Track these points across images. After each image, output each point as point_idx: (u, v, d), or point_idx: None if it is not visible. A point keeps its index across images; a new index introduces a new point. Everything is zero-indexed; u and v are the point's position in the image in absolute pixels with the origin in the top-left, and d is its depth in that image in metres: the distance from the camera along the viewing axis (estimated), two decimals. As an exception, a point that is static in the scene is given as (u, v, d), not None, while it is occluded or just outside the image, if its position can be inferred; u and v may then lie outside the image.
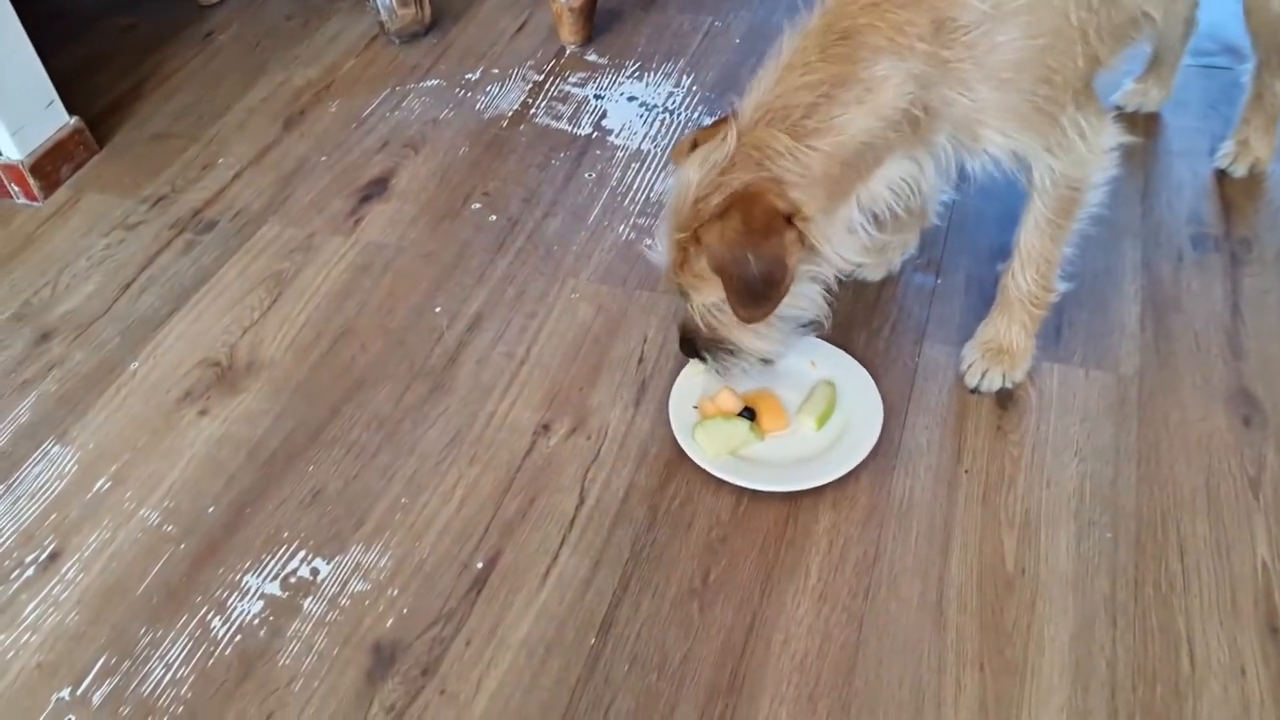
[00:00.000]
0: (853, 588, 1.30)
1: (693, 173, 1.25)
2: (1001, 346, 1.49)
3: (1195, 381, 1.49)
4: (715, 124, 1.30)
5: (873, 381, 1.50)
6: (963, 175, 1.32)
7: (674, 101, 2.14)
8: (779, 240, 1.20)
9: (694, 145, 1.29)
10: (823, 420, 1.45)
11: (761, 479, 1.39)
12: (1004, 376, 1.49)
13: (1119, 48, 1.31)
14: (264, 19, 2.55)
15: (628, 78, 2.22)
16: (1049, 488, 1.38)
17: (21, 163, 2.00)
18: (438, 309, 1.73)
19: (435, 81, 2.27)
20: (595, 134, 2.07)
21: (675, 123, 2.08)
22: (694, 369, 1.53)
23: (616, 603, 1.31)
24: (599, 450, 1.49)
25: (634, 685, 1.23)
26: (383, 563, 1.37)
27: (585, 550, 1.37)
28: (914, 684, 1.20)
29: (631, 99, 2.16)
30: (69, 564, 1.41)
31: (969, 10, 1.15)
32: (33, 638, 1.33)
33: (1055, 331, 1.57)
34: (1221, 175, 1.82)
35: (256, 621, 1.33)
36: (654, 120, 2.10)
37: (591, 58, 2.29)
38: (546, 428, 1.53)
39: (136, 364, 1.69)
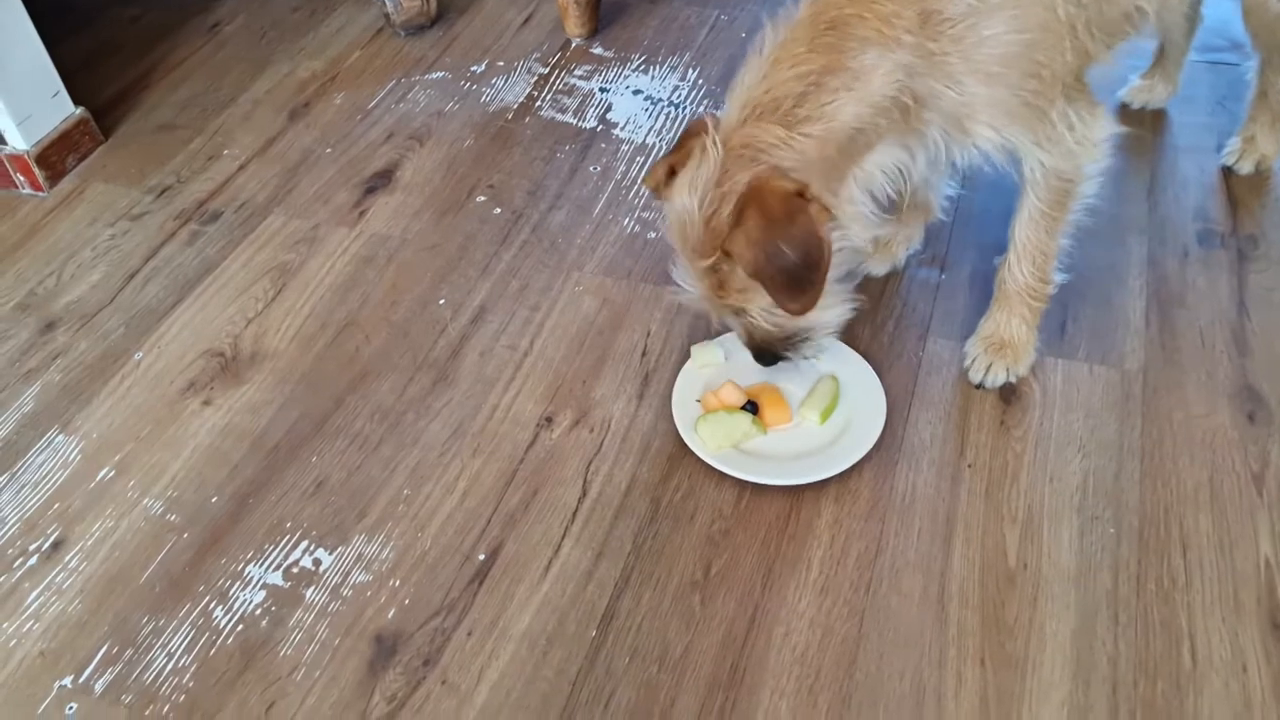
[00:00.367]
0: (854, 582, 1.30)
1: (687, 198, 1.22)
2: (1003, 340, 1.49)
3: (1200, 378, 1.49)
4: (682, 142, 1.27)
5: (876, 376, 1.49)
6: (955, 169, 1.31)
7: (679, 95, 2.14)
8: (806, 217, 1.18)
9: (670, 171, 1.27)
10: (826, 414, 1.45)
11: (764, 472, 1.39)
12: (1008, 371, 1.49)
13: (1112, 42, 1.31)
14: (270, 10, 2.55)
15: (633, 71, 2.22)
16: (1052, 483, 1.38)
17: (27, 153, 2.00)
18: (442, 301, 1.73)
19: (440, 74, 2.27)
20: (600, 127, 2.07)
21: (680, 116, 2.08)
22: (697, 362, 1.53)
23: (618, 595, 1.31)
24: (602, 443, 1.49)
25: (635, 677, 1.23)
26: (385, 554, 1.38)
27: (587, 542, 1.37)
28: (915, 678, 1.20)
29: (637, 92, 2.16)
30: (72, 553, 1.42)
31: (955, 3, 1.15)
32: (35, 626, 1.34)
33: (1059, 327, 1.56)
34: (1228, 172, 1.81)
35: (259, 611, 1.33)
36: (659, 114, 2.09)
37: (597, 51, 2.29)
38: (549, 420, 1.53)
39: (141, 354, 1.69)
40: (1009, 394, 1.49)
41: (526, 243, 1.83)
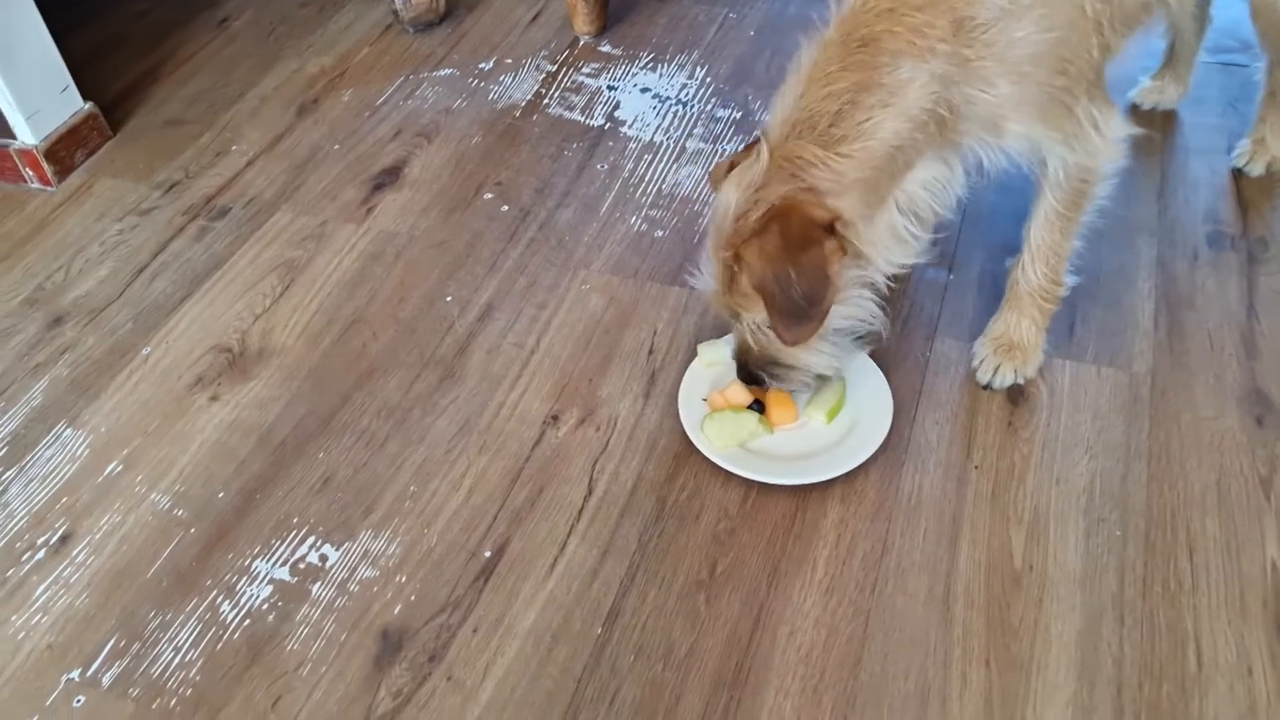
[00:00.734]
0: (860, 582, 1.30)
1: (731, 193, 1.25)
2: (1013, 342, 1.49)
3: (1208, 380, 1.49)
4: (750, 145, 1.30)
5: (883, 376, 1.49)
6: (981, 172, 1.31)
7: (687, 93, 2.13)
8: (819, 251, 1.20)
9: (731, 167, 1.30)
10: (832, 414, 1.45)
11: (770, 472, 1.39)
12: (1016, 372, 1.48)
13: (1130, 33, 1.31)
14: (278, 6, 2.55)
15: (641, 69, 2.22)
16: (1059, 485, 1.38)
17: (36, 147, 2.00)
18: (449, 298, 1.74)
19: (448, 71, 2.27)
20: (608, 125, 2.07)
21: (688, 114, 2.08)
22: (703, 361, 1.53)
23: (623, 593, 1.31)
24: (608, 441, 1.49)
25: (640, 675, 1.23)
26: (391, 550, 1.38)
27: (593, 540, 1.37)
28: (920, 678, 1.20)
29: (645, 90, 2.16)
30: (80, 547, 1.42)
31: (986, 8, 1.16)
32: (43, 619, 1.34)
33: (1068, 328, 1.56)
34: (1238, 174, 1.80)
35: (265, 606, 1.33)
36: (667, 112, 2.09)
37: (605, 48, 2.29)
38: (555, 418, 1.53)
39: (148, 349, 1.70)
40: (1016, 395, 1.49)
41: (534, 240, 1.83)
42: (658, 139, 2.03)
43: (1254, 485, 1.36)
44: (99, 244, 1.91)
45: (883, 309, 1.34)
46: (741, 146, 1.35)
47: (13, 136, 2.01)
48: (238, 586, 1.36)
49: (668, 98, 2.13)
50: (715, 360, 1.53)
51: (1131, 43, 1.34)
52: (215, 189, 2.01)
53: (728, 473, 1.41)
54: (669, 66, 2.22)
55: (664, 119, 2.08)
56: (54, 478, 1.51)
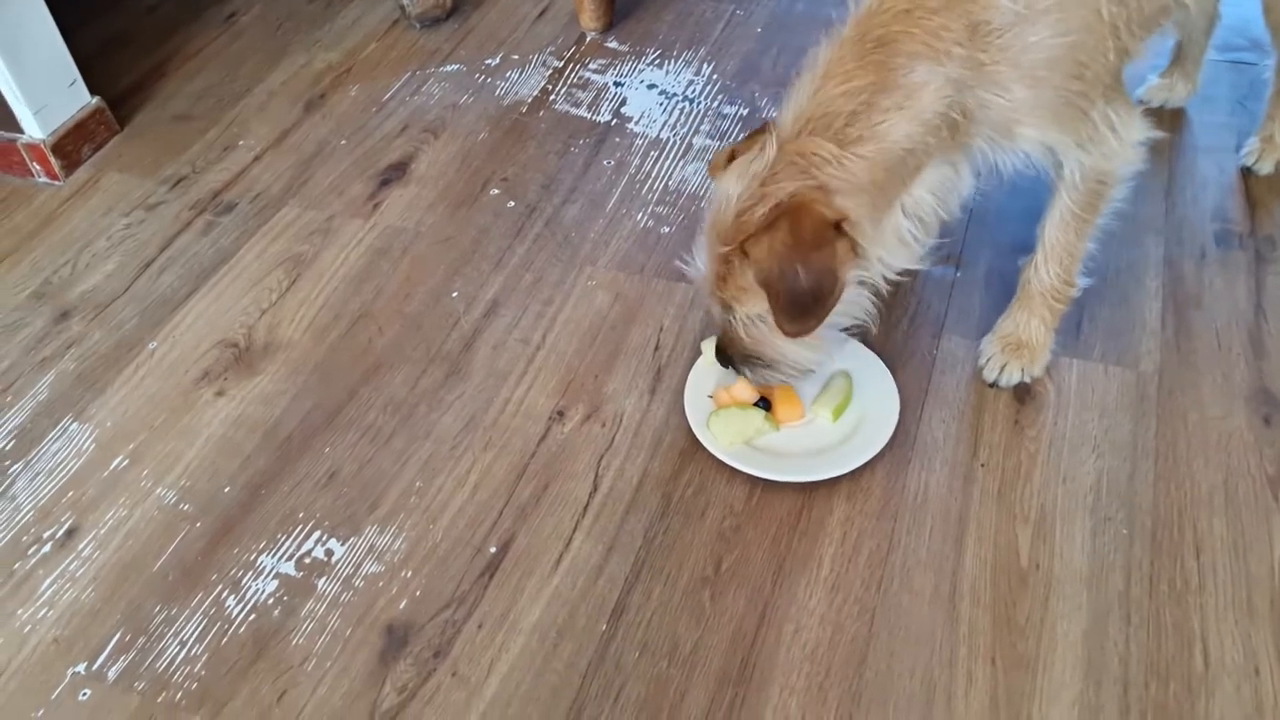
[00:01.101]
0: (865, 579, 1.30)
1: (733, 184, 1.24)
2: (1021, 340, 1.48)
3: (1215, 380, 1.48)
4: (752, 135, 1.29)
5: (890, 374, 1.49)
6: (994, 173, 1.31)
7: (694, 90, 2.13)
8: (830, 251, 1.19)
9: (731, 157, 1.29)
10: (839, 412, 1.45)
11: (776, 469, 1.39)
12: (1023, 371, 1.48)
13: (1147, 36, 1.31)
14: (285, 2, 2.55)
15: (648, 65, 2.22)
16: (1065, 483, 1.38)
17: (43, 142, 2.01)
18: (455, 294, 1.74)
19: (455, 66, 2.27)
20: (615, 121, 2.07)
21: (695, 111, 2.08)
22: (709, 358, 1.53)
23: (628, 589, 1.31)
24: (613, 438, 1.49)
25: (645, 672, 1.23)
26: (397, 545, 1.38)
27: (598, 537, 1.37)
28: (925, 676, 1.20)
29: (651, 86, 2.15)
30: (86, 541, 1.42)
31: (1002, 12, 1.15)
32: (49, 613, 1.35)
33: (1075, 327, 1.56)
34: (1247, 172, 1.80)
35: (271, 601, 1.33)
36: (674, 108, 2.09)
37: (612, 44, 2.29)
38: (561, 414, 1.53)
39: (155, 344, 1.70)
40: (1023, 393, 1.49)
41: (540, 236, 1.83)
42: (664, 135, 2.02)
43: (1261, 485, 1.35)
44: (106, 238, 1.91)
45: (875, 305, 1.33)
46: (743, 136, 1.34)
47: (20, 131, 2.01)
48: (243, 581, 1.36)
49: (674, 94, 2.13)
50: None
51: (1150, 45, 1.33)
52: (222, 184, 2.01)
53: (733, 469, 1.41)
54: (676, 63, 2.21)
55: (670, 115, 2.07)
56: (60, 472, 1.52)
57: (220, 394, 1.60)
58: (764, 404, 1.45)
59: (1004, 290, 1.55)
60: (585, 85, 2.17)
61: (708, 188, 1.88)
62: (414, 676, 1.24)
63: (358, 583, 1.34)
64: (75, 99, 2.07)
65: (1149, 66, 1.95)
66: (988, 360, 1.50)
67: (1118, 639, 1.21)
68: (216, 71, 2.33)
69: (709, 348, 1.54)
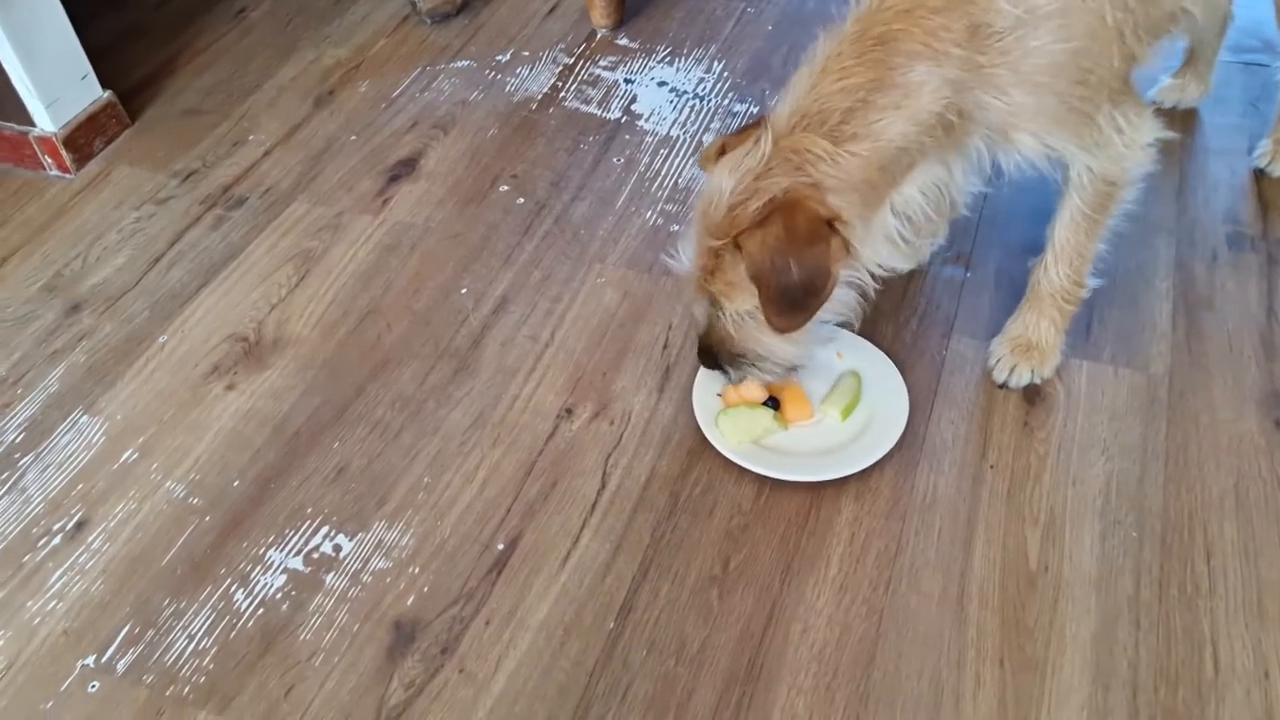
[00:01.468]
0: (873, 580, 1.29)
1: (725, 178, 1.23)
2: (1031, 342, 1.48)
3: (1226, 382, 1.48)
4: (744, 129, 1.28)
5: (899, 374, 1.49)
6: (997, 171, 1.31)
7: (704, 87, 2.13)
8: (824, 248, 1.19)
9: (722, 151, 1.28)
10: (848, 412, 1.45)
11: (784, 468, 1.39)
12: (1033, 372, 1.48)
13: (1155, 42, 1.30)
14: (296, -3, 2.55)
15: (658, 62, 2.21)
16: (1074, 485, 1.37)
17: (55, 135, 2.01)
18: (464, 290, 1.74)
19: (465, 63, 2.27)
20: (624, 119, 2.07)
21: (705, 109, 2.07)
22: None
23: (636, 588, 1.31)
24: (621, 435, 1.49)
25: (652, 670, 1.23)
26: (404, 541, 1.38)
27: (606, 535, 1.37)
28: (933, 678, 1.20)
29: (662, 84, 2.15)
30: (95, 533, 1.43)
31: (1003, 15, 1.14)
32: (59, 605, 1.35)
33: (1085, 328, 1.55)
34: (1259, 174, 1.79)
35: (279, 596, 1.34)
36: (684, 106, 2.09)
37: (622, 41, 2.28)
38: (570, 412, 1.53)
39: (165, 337, 1.70)
40: (1033, 395, 1.48)
41: (549, 234, 1.83)
42: (674, 133, 2.02)
43: (1273, 488, 1.35)
44: (116, 232, 1.92)
45: (860, 302, 1.33)
46: (734, 129, 1.33)
47: (32, 124, 2.02)
48: (252, 575, 1.36)
49: (684, 92, 2.12)
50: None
51: (1159, 49, 1.32)
52: (232, 179, 2.01)
53: (741, 468, 1.41)
54: (686, 60, 2.21)
55: (680, 113, 2.07)
56: (70, 464, 1.52)
57: (230, 388, 1.61)
58: (773, 403, 1.44)
59: (1014, 291, 1.54)
60: (595, 82, 2.17)
61: (700, 182, 1.88)
62: (421, 673, 1.25)
63: (365, 578, 1.35)
64: (87, 93, 2.08)
65: (1161, 67, 1.94)
66: (997, 361, 1.50)
67: (1127, 643, 1.21)
68: (227, 66, 2.33)
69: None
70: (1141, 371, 1.50)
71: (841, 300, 1.31)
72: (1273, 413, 1.43)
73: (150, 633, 1.31)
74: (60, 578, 1.38)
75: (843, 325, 1.39)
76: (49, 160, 2.05)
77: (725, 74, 2.16)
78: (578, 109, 2.10)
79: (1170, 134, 1.34)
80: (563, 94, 2.15)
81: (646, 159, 1.97)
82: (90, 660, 1.29)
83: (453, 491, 1.44)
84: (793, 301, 1.22)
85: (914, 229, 1.29)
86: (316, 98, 2.21)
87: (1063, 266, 1.42)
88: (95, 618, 1.33)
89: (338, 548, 1.38)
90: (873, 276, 1.30)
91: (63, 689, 1.26)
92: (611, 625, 1.27)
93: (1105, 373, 1.50)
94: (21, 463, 1.53)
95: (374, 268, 1.79)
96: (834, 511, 1.37)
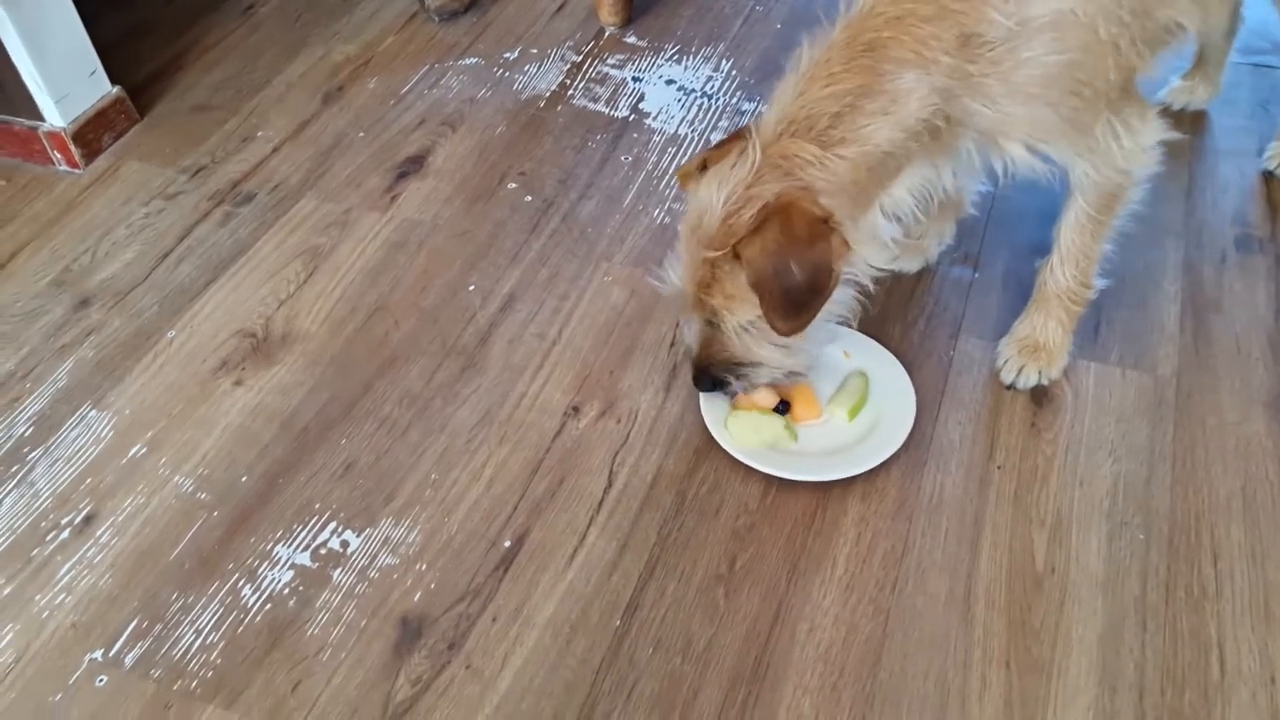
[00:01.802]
0: (880, 580, 1.29)
1: (715, 191, 1.22)
2: (1038, 343, 1.48)
3: (1234, 385, 1.47)
4: (724, 143, 1.27)
5: (906, 374, 1.49)
6: (1002, 173, 1.30)
7: (713, 86, 2.13)
8: (825, 246, 1.19)
9: (703, 167, 1.27)
10: (855, 412, 1.45)
11: (791, 468, 1.39)
12: (1040, 373, 1.48)
13: (1156, 52, 1.29)
14: (305, -7, 2.55)
15: (666, 61, 2.21)
16: (1082, 487, 1.37)
17: (64, 130, 2.02)
18: (471, 288, 1.74)
19: (474, 60, 2.27)
20: (632, 117, 2.07)
21: (713, 107, 2.07)
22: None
23: (642, 586, 1.31)
24: (628, 434, 1.49)
25: (658, 668, 1.23)
26: (412, 537, 1.39)
27: (612, 533, 1.37)
28: (939, 679, 1.20)
29: (670, 82, 2.15)
30: (103, 527, 1.43)
31: (995, 26, 1.14)
32: (67, 599, 1.36)
33: (1093, 330, 1.55)
34: (1269, 176, 1.79)
35: (286, 591, 1.34)
36: (692, 104, 2.08)
37: (631, 40, 2.29)
38: (576, 410, 1.53)
39: (173, 333, 1.71)
40: (1040, 396, 1.48)
41: (556, 231, 1.83)
42: (682, 131, 2.02)
43: (1280, 491, 1.35)
44: (125, 227, 1.92)
45: (860, 300, 1.32)
46: (712, 145, 1.32)
47: (41, 119, 2.02)
48: (259, 571, 1.37)
49: (693, 90, 2.12)
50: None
51: (1161, 59, 1.31)
52: (241, 175, 2.02)
53: (748, 468, 1.41)
54: (694, 59, 2.21)
55: (689, 111, 2.07)
56: (79, 458, 1.53)
57: (238, 384, 1.61)
58: (783, 407, 1.44)
59: (1022, 292, 1.54)
60: (603, 80, 2.17)
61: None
62: (428, 669, 1.25)
63: (373, 574, 1.35)
64: (96, 88, 2.08)
65: (1171, 69, 1.94)
66: (1005, 362, 1.50)
67: (1133, 645, 1.21)
68: (235, 62, 2.34)
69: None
70: (1149, 373, 1.50)
71: (840, 300, 1.31)
72: (1281, 415, 1.43)
73: (158, 627, 1.32)
74: (68, 571, 1.39)
75: (841, 324, 1.38)
76: (58, 155, 2.05)
77: (734, 72, 2.16)
78: (586, 107, 2.11)
79: (1175, 134, 1.34)
80: (571, 92, 2.15)
81: (654, 157, 1.97)
82: (98, 654, 1.30)
83: (460, 488, 1.44)
84: (797, 303, 1.21)
85: (904, 228, 1.29)
86: (325, 94, 2.21)
87: (1069, 268, 1.42)
88: (103, 612, 1.34)
89: (345, 543, 1.39)
90: (869, 276, 1.30)
91: (71, 682, 1.27)
92: (618, 623, 1.28)
93: (1113, 374, 1.50)
94: (30, 457, 1.53)
95: (382, 264, 1.80)
96: (840, 511, 1.37)
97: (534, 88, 2.17)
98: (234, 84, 2.26)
